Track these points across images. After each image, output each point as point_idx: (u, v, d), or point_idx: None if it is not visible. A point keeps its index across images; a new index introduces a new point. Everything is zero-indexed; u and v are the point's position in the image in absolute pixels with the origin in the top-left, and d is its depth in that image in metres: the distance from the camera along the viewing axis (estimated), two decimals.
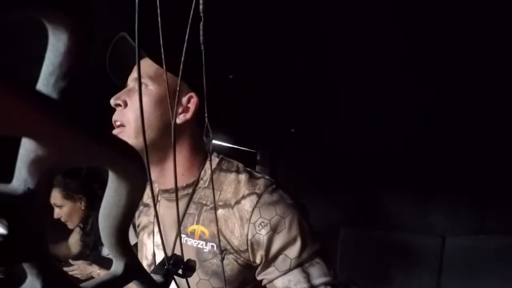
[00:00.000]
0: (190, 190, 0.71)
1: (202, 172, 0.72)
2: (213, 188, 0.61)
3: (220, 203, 0.69)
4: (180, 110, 0.69)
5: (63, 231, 1.74)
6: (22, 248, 0.15)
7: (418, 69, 1.99)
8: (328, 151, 2.83)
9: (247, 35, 1.81)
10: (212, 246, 0.68)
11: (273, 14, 1.70)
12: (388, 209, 2.65)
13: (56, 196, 1.57)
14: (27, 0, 0.13)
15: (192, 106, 0.69)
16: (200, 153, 0.73)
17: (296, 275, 0.65)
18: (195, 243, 0.69)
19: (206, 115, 0.43)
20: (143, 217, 0.86)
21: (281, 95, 2.59)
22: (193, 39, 0.37)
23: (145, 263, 0.81)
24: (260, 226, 0.65)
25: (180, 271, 0.44)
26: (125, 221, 0.21)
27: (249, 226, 0.65)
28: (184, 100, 0.69)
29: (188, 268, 0.45)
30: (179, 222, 0.44)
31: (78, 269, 1.55)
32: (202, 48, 0.36)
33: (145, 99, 0.66)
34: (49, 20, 0.15)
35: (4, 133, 0.12)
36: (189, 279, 0.44)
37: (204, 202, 0.70)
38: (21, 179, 0.15)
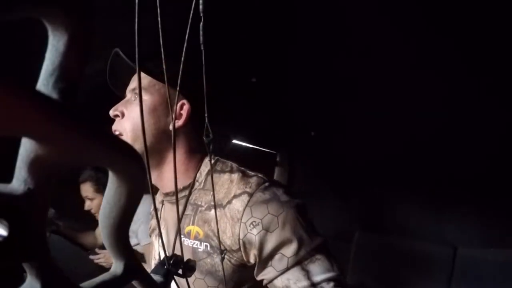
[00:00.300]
0: (186, 192, 0.73)
1: (198, 174, 0.74)
2: (213, 189, 0.61)
3: (213, 204, 0.70)
4: (173, 117, 0.72)
5: (92, 222, 1.88)
6: (22, 248, 0.15)
7: (431, 75, 1.97)
8: (347, 155, 2.80)
9: (268, 37, 1.81)
10: (206, 246, 0.69)
11: (293, 16, 1.70)
12: (404, 216, 2.63)
13: (88, 190, 1.72)
14: (27, 0, 0.13)
15: (184, 113, 0.72)
16: (195, 156, 0.75)
17: (295, 273, 0.64)
18: (191, 243, 0.71)
19: (206, 115, 0.43)
20: (153, 220, 0.90)
21: (302, 98, 2.55)
22: (185, 48, 0.37)
23: (153, 263, 0.85)
24: (252, 226, 0.65)
25: (180, 271, 0.44)
26: (125, 221, 0.21)
27: (240, 226, 0.65)
28: (177, 107, 0.72)
29: (188, 268, 0.45)
30: (179, 223, 0.44)
31: (103, 257, 1.67)
32: (202, 48, 0.36)
33: (139, 109, 0.69)
34: (49, 20, 0.15)
35: (4, 133, 0.12)
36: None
37: (199, 203, 0.72)
38: (21, 179, 0.15)
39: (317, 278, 0.64)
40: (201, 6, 0.34)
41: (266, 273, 0.67)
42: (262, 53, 2.00)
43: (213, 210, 0.69)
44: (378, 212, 2.76)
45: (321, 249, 0.67)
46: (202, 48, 0.36)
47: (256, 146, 3.06)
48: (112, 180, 0.19)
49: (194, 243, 0.70)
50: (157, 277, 0.39)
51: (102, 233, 0.22)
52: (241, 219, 0.66)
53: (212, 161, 0.75)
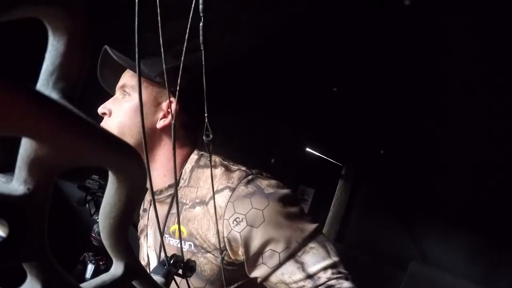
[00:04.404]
0: (172, 191, 0.72)
1: (183, 172, 0.73)
2: (213, 188, 0.60)
3: (197, 201, 0.68)
4: (160, 115, 0.71)
5: None
6: (22, 248, 0.15)
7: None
8: (416, 181, 2.65)
9: (356, 49, 1.79)
10: (190, 245, 0.67)
11: (386, 33, 1.66)
12: (467, 256, 2.42)
13: None
14: (27, 0, 0.13)
15: (172, 111, 0.70)
16: (181, 154, 0.74)
17: (289, 267, 0.62)
18: (176, 242, 0.70)
19: (206, 115, 0.43)
20: (141, 221, 0.89)
21: (379, 115, 2.46)
22: (185, 48, 0.37)
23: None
24: (235, 222, 0.62)
25: (180, 271, 0.44)
26: (125, 221, 0.21)
27: (223, 223, 0.63)
28: (164, 105, 0.71)
29: (188, 268, 0.45)
30: (179, 224, 0.44)
31: None
32: (202, 48, 0.36)
33: (126, 107, 0.70)
34: (49, 20, 0.15)
35: (4, 133, 0.12)
36: None
37: (184, 201, 0.71)
38: (21, 179, 0.15)
39: (313, 268, 0.61)
40: (201, 6, 0.34)
41: (258, 271, 0.64)
42: (347, 64, 1.97)
43: (197, 208, 0.68)
44: (440, 245, 2.57)
45: (314, 237, 0.64)
46: (202, 48, 0.36)
47: (324, 155, 3.05)
48: (112, 180, 0.19)
49: (178, 242, 0.68)
50: (157, 277, 0.39)
51: (101, 233, 0.22)
52: (223, 216, 0.63)
53: (196, 157, 0.74)
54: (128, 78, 0.72)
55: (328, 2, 1.51)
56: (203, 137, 0.45)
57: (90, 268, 1.22)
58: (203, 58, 0.37)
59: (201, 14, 0.35)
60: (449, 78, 1.83)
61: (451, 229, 2.53)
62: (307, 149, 2.95)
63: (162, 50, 0.38)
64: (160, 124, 0.71)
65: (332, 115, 2.54)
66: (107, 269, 1.23)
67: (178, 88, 0.41)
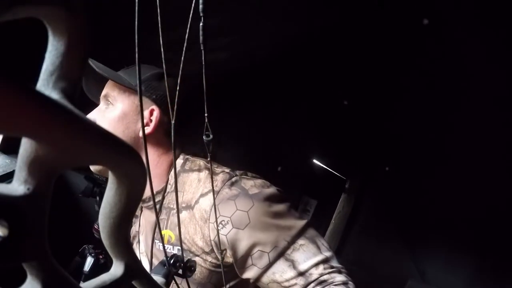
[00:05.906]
0: (160, 197, 0.72)
1: (169, 177, 0.73)
2: (213, 189, 0.60)
3: (183, 205, 0.68)
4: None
5: None
6: (22, 248, 0.15)
7: None
8: (418, 200, 2.65)
9: (368, 65, 1.80)
10: (178, 250, 0.67)
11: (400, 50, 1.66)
12: (468, 277, 2.39)
13: None
14: (28, 0, 0.13)
15: (154, 119, 0.71)
16: (166, 160, 0.74)
17: (280, 266, 0.61)
18: (166, 248, 0.69)
19: (206, 115, 0.43)
20: (133, 228, 0.88)
21: (387, 132, 2.47)
22: (184, 49, 0.37)
23: None
24: (221, 225, 0.62)
25: (180, 271, 0.44)
26: (125, 221, 0.21)
27: (209, 227, 0.63)
28: (146, 113, 0.71)
29: (188, 268, 0.45)
30: (179, 227, 0.44)
31: None
32: (202, 48, 0.36)
33: (109, 117, 0.70)
34: (50, 20, 0.15)
35: (4, 133, 0.12)
36: None
37: (171, 206, 0.71)
38: (21, 179, 0.15)
39: (304, 266, 0.61)
40: (201, 6, 0.34)
41: (249, 272, 0.64)
42: (359, 79, 1.97)
43: (183, 212, 0.68)
44: (439, 265, 2.57)
45: (303, 234, 0.63)
46: (202, 48, 0.36)
47: (329, 168, 3.07)
48: (112, 180, 0.19)
49: (167, 247, 0.69)
50: (157, 277, 0.39)
51: (102, 234, 0.22)
52: (209, 219, 0.63)
53: (181, 162, 0.74)
54: (110, 88, 0.72)
55: (345, 15, 1.51)
56: (203, 137, 0.45)
57: (89, 261, 1.20)
58: (203, 58, 0.37)
59: (201, 14, 0.35)
60: (458, 96, 1.83)
61: (452, 249, 2.53)
62: (314, 160, 2.95)
63: (162, 50, 0.38)
64: (141, 133, 0.71)
65: (341, 129, 2.55)
66: (106, 263, 1.22)
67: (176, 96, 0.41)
